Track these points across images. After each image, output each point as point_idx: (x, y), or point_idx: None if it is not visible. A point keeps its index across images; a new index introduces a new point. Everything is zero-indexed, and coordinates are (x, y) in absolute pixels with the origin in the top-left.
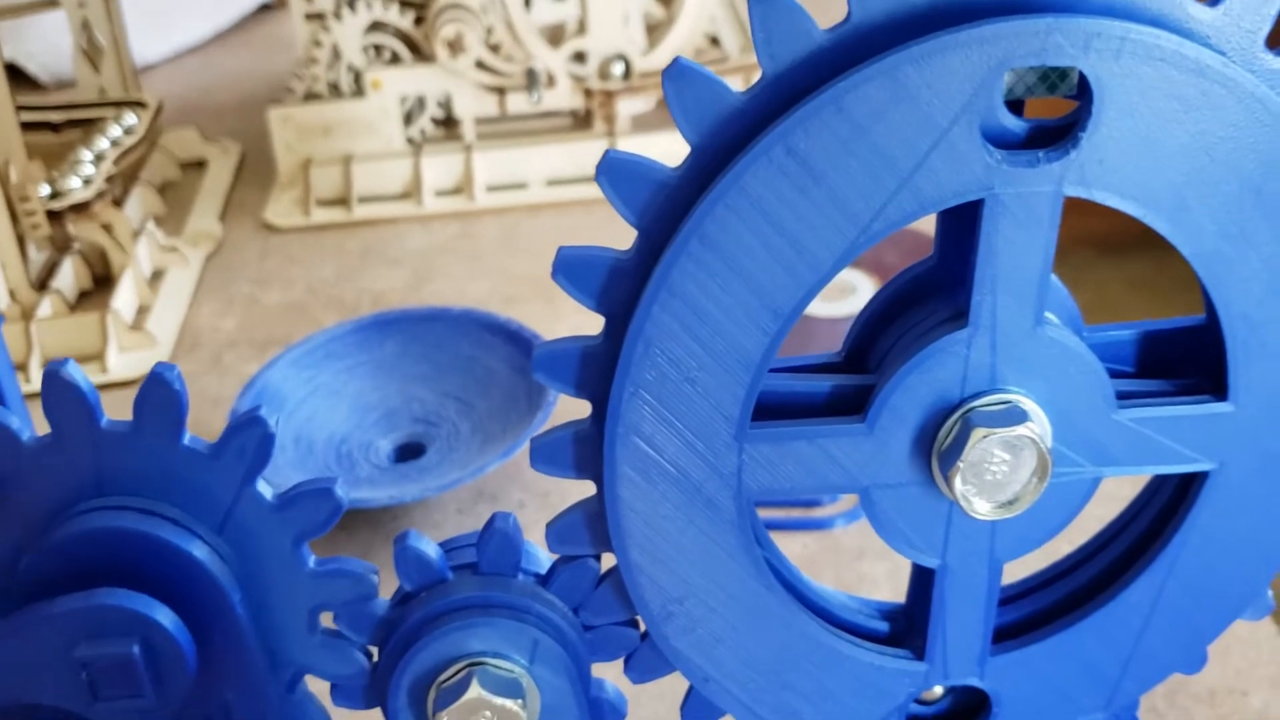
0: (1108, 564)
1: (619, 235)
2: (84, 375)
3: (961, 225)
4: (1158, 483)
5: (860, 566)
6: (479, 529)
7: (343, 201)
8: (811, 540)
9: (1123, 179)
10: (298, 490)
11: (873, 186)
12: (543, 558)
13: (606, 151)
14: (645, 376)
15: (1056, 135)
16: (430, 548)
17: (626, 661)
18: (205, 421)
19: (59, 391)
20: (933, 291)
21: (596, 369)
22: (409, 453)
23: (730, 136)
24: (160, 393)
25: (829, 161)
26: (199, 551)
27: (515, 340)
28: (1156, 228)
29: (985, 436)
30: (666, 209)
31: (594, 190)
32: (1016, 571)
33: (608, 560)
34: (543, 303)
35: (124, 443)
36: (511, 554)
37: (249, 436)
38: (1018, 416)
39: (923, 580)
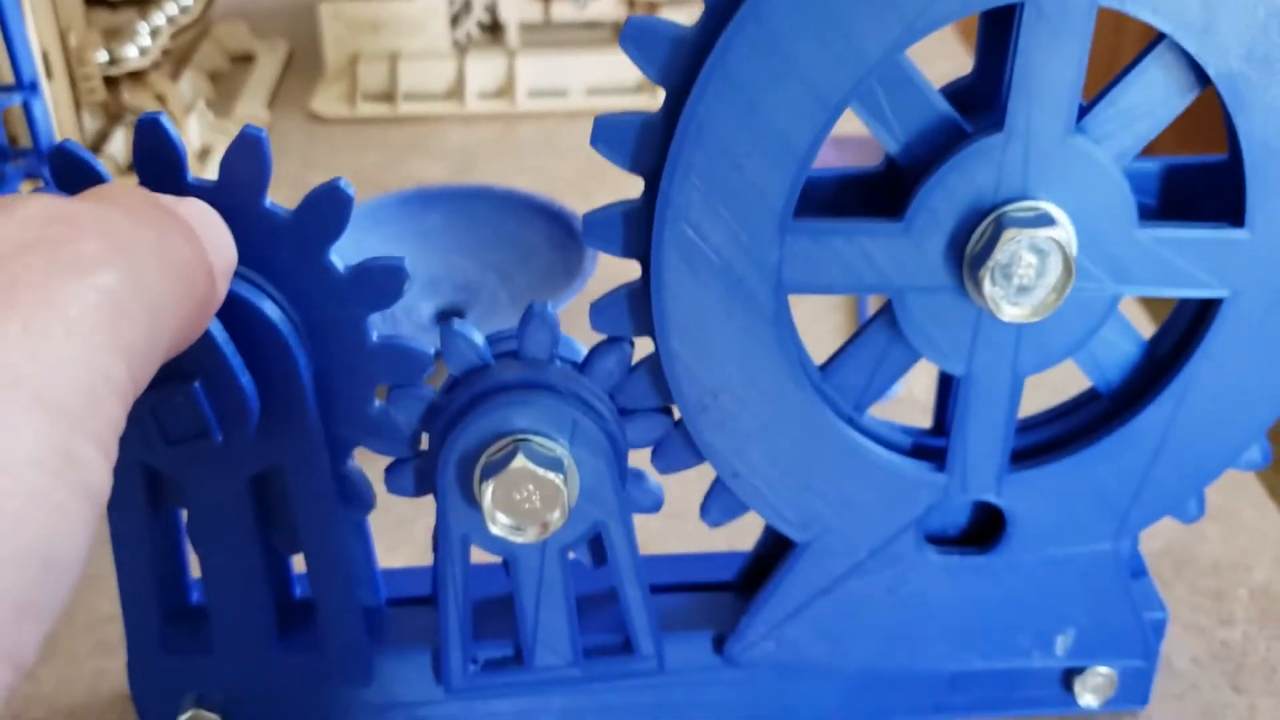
0: (1124, 392)
1: None
2: (176, 130)
3: (1001, 38)
4: (1174, 315)
5: None
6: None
7: (388, 97)
8: None
9: None
10: (368, 263)
11: None
12: (580, 349)
13: (629, 18)
14: (696, 159)
15: None
16: (476, 335)
17: (655, 451)
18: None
19: (151, 144)
20: (970, 105)
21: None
22: (449, 316)
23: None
24: (247, 155)
25: None
26: (270, 311)
27: (556, 219)
28: (1185, 45)
29: (1014, 238)
30: (687, 64)
31: (633, 103)
32: (1038, 404)
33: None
34: (580, 200)
35: (206, 199)
36: (549, 338)
37: (329, 205)
38: (1047, 221)
39: (947, 393)
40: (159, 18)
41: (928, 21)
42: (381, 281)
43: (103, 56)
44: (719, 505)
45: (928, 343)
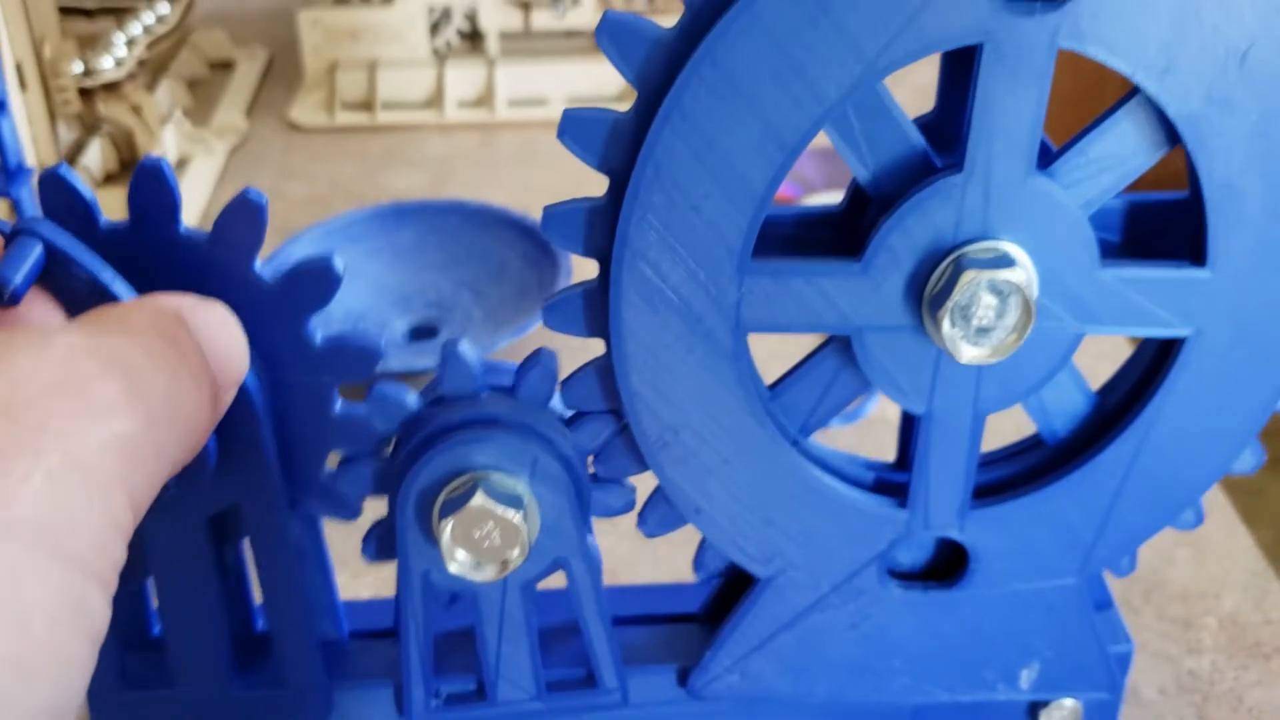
0: (1087, 429)
1: None
2: (175, 179)
3: (962, 76)
4: (1137, 353)
5: None
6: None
7: (366, 106)
8: None
9: (1115, 35)
10: (345, 337)
11: (880, 22)
12: (511, 370)
13: (606, 12)
14: (653, 201)
15: None
16: (403, 391)
17: (597, 456)
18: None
19: (152, 189)
20: (931, 143)
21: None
22: (423, 333)
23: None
24: (245, 217)
25: None
26: None
27: (530, 235)
28: (1145, 87)
29: (974, 279)
30: (664, 66)
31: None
32: (999, 439)
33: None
34: None
35: (195, 251)
36: (469, 375)
37: (316, 277)
38: (1007, 262)
39: (909, 434)
40: (135, 27)
41: (887, 63)
42: (356, 356)
43: (78, 68)
44: (656, 517)
45: (888, 381)
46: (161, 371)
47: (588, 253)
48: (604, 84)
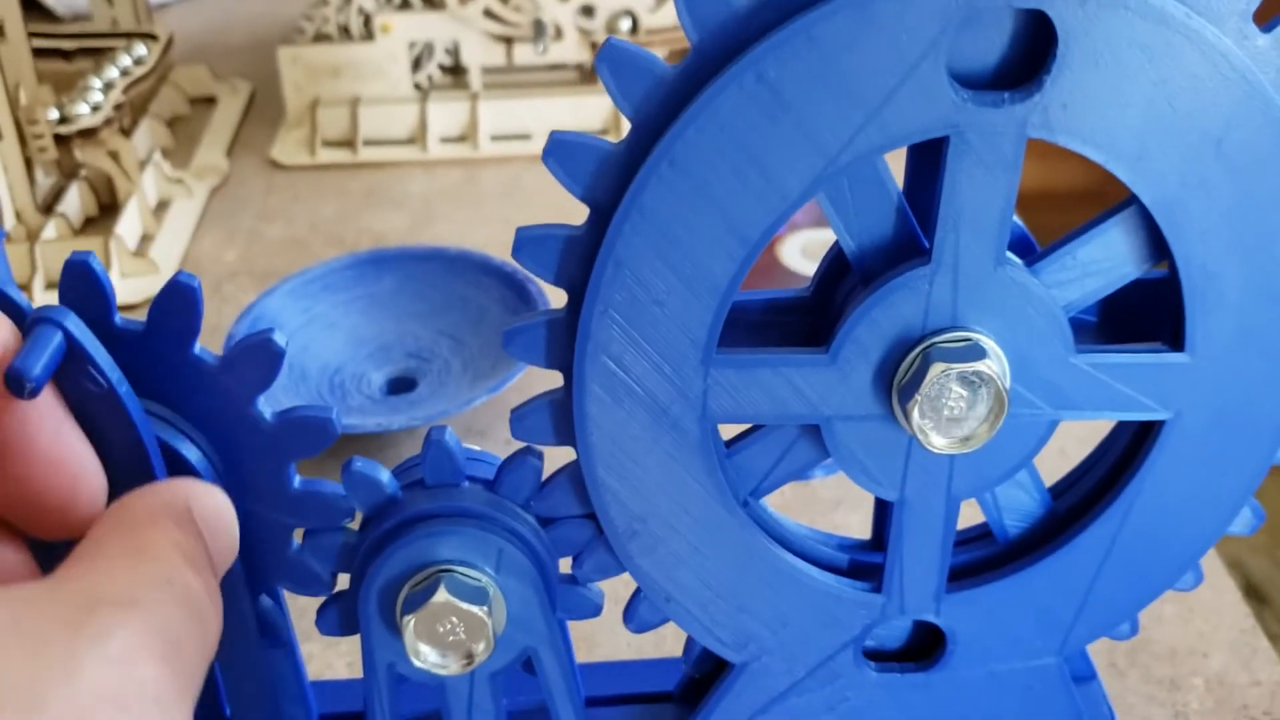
0: (1064, 510)
1: None
2: (104, 271)
3: (927, 163)
4: (1115, 431)
5: (836, 517)
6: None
7: (348, 143)
8: (789, 490)
9: (1086, 124)
10: (296, 414)
11: (841, 118)
12: (492, 463)
13: (608, 39)
14: (615, 297)
15: (1022, 77)
16: (378, 470)
17: (575, 560)
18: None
19: (80, 286)
20: None
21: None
22: (401, 386)
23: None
24: (179, 302)
25: (799, 91)
26: (190, 453)
27: (510, 282)
28: (1118, 174)
29: (944, 371)
30: (662, 104)
31: None
32: (976, 515)
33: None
34: None
35: (133, 343)
36: (451, 464)
37: (259, 356)
38: (976, 353)
39: (883, 514)
40: (112, 71)
41: (850, 157)
42: (308, 433)
43: (54, 114)
44: (641, 612)
45: (859, 469)
46: (193, 621)
47: (550, 365)
48: (588, 118)
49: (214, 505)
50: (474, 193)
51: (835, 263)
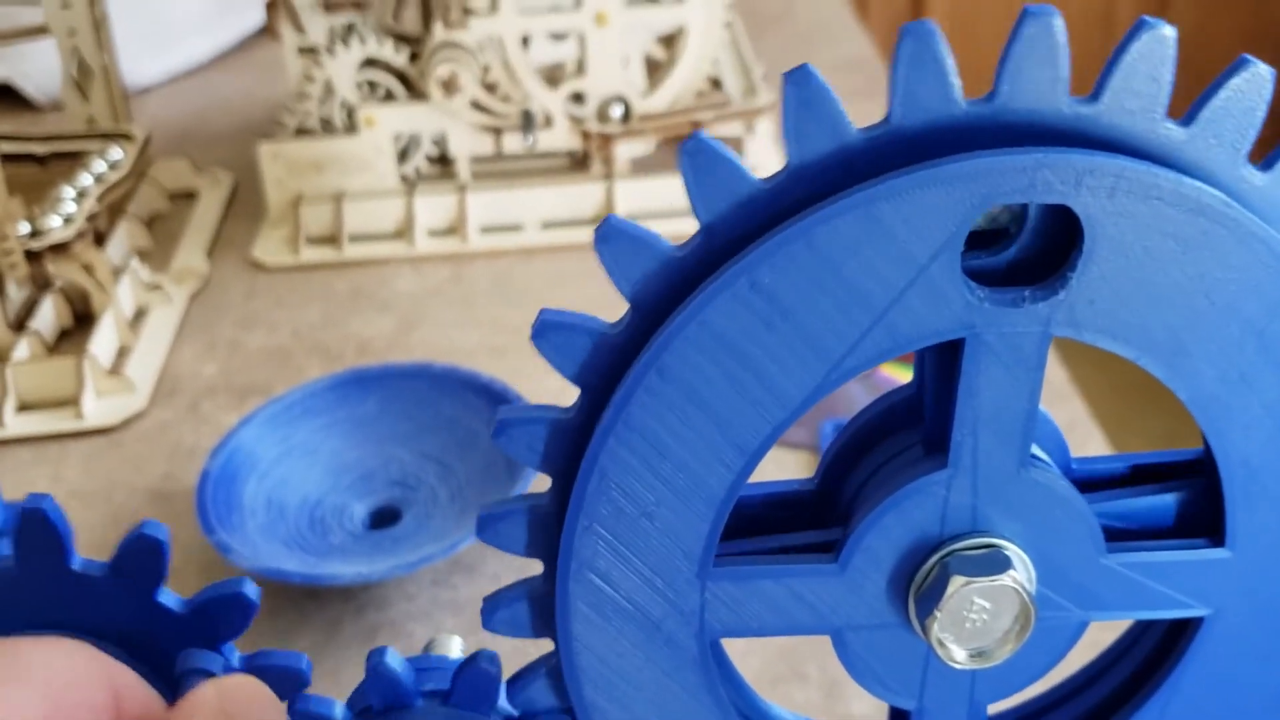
0: (1094, 704)
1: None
2: (61, 514)
3: (942, 359)
4: (1146, 622)
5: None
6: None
7: (333, 240)
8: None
9: (1116, 321)
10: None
11: (845, 323)
12: (447, 669)
13: (608, 217)
14: (600, 511)
15: (1042, 267)
16: (331, 706)
17: None
18: (178, 474)
19: (37, 531)
20: (912, 421)
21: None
22: (384, 518)
23: (744, 221)
24: (146, 552)
25: (798, 297)
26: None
27: (499, 401)
28: (1152, 371)
29: (965, 585)
30: (665, 288)
31: (590, 234)
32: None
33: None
34: (533, 355)
35: (97, 586)
36: (398, 689)
37: (231, 606)
38: (1000, 564)
39: (899, 715)
40: (86, 178)
41: (856, 362)
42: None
43: (24, 228)
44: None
45: (873, 679)
46: None
47: (530, 554)
48: (579, 208)
49: (241, 692)
50: (463, 291)
51: (842, 453)
